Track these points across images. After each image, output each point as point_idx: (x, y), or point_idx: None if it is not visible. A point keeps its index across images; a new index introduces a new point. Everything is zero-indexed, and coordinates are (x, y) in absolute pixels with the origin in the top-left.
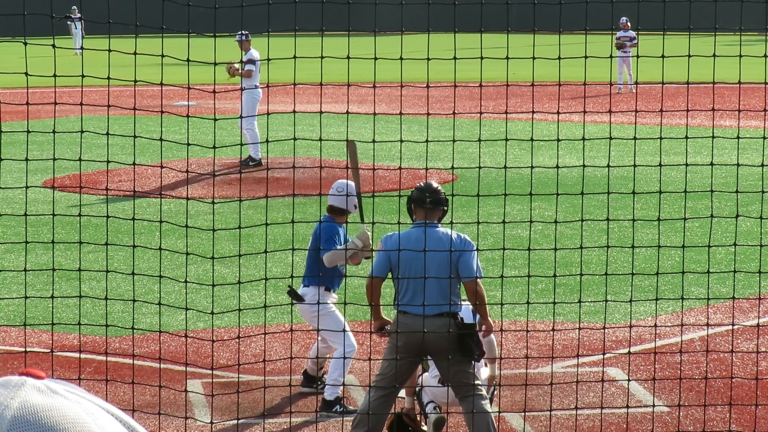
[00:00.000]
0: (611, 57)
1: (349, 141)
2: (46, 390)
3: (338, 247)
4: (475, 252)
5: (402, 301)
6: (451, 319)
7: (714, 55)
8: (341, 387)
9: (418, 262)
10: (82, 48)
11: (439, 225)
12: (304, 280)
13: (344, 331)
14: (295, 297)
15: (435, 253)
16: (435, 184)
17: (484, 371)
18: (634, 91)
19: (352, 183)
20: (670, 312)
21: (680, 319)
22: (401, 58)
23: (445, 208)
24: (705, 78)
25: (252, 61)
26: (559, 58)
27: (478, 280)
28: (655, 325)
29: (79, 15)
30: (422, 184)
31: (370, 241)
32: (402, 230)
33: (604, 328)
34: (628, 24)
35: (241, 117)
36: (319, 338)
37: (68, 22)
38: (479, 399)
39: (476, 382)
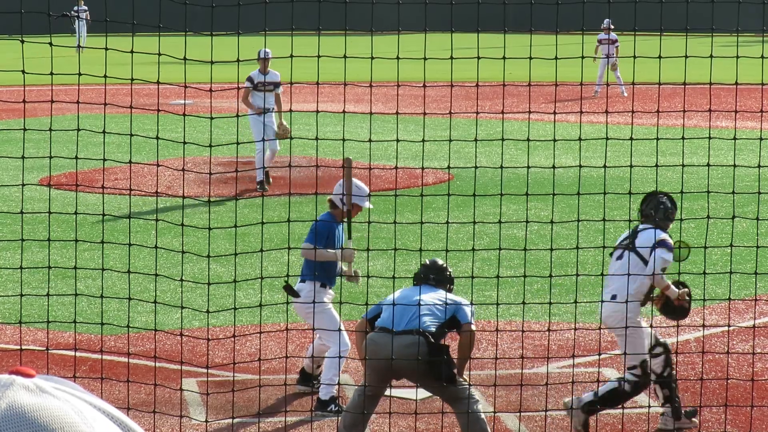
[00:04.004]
0: (607, 57)
1: (345, 159)
2: (35, 389)
3: (329, 250)
4: (470, 306)
5: (378, 324)
6: (421, 338)
7: (711, 56)
8: (336, 386)
9: (408, 301)
10: (82, 46)
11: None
12: (301, 275)
13: (339, 330)
14: (291, 292)
15: (427, 297)
16: (440, 262)
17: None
18: (626, 94)
19: (358, 184)
20: None
21: None
22: (398, 58)
23: (451, 285)
24: (702, 79)
25: (278, 83)
26: (556, 58)
27: (472, 326)
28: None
29: (85, 10)
30: (428, 261)
31: (353, 263)
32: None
33: (599, 328)
34: (611, 26)
35: (264, 140)
36: (317, 336)
37: (72, 19)
38: (473, 403)
39: (467, 388)
